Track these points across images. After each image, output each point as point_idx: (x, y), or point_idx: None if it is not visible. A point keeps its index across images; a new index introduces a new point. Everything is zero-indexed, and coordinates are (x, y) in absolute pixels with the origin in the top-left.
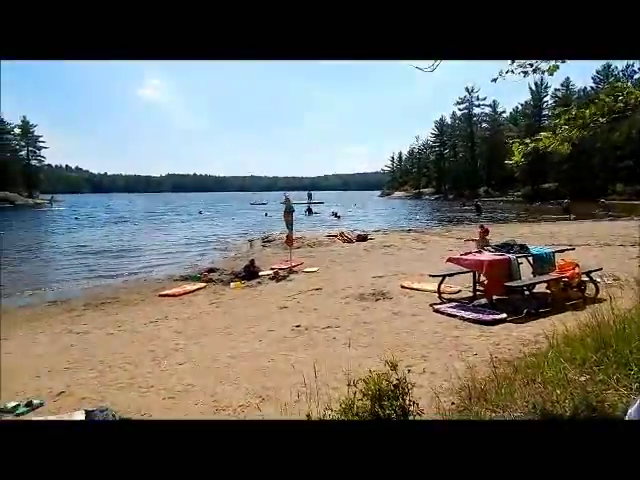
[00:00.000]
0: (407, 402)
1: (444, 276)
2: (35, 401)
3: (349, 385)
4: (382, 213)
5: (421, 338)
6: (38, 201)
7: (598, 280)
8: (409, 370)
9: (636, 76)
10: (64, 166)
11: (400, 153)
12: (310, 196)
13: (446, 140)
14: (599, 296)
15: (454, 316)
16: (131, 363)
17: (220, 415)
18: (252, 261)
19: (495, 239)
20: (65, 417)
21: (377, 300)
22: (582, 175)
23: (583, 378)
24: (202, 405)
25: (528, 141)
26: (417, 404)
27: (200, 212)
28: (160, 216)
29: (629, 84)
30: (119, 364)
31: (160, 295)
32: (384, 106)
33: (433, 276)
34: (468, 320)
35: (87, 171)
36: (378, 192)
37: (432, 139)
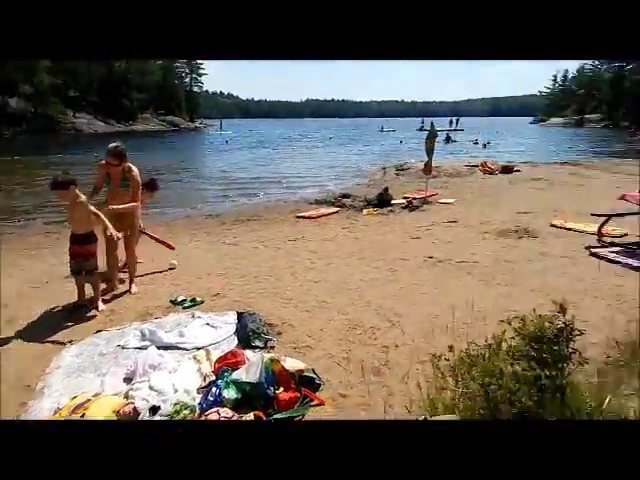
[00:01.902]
0: (569, 350)
1: (609, 216)
2: (198, 298)
3: (501, 322)
4: (532, 143)
5: (571, 283)
6: (197, 125)
7: None
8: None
9: None
10: (218, 92)
11: (566, 71)
12: (454, 122)
13: None
14: None
15: (616, 262)
16: (273, 275)
17: (352, 334)
18: (386, 189)
19: None
20: (191, 333)
21: (520, 238)
22: None
23: None
24: (335, 322)
25: None
26: (580, 353)
27: (330, 138)
28: (295, 142)
29: None
30: (264, 275)
31: (297, 217)
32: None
33: (596, 215)
34: (634, 269)
35: (237, 97)
36: (530, 119)
37: None
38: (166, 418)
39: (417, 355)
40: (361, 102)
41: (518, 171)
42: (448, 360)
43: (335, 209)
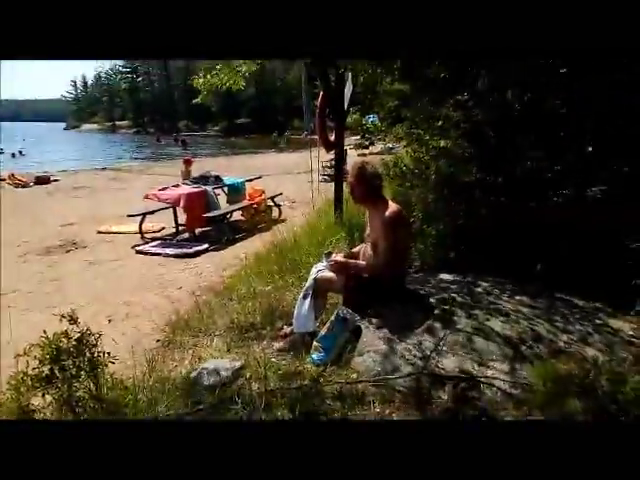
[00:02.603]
0: (96, 355)
1: (144, 214)
2: None
3: (19, 356)
4: (69, 150)
5: (123, 283)
6: None
7: (280, 203)
8: (109, 320)
9: None
10: None
11: (84, 77)
12: None
13: (138, 66)
14: (282, 217)
15: (158, 254)
16: None
17: None
18: None
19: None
20: None
21: (68, 251)
22: (266, 112)
23: (268, 287)
24: None
25: (209, 77)
26: (109, 353)
27: None
28: None
29: None
30: None
31: None
32: None
33: (131, 216)
34: (172, 256)
35: None
36: (63, 124)
37: (121, 64)
38: None
39: None
40: None
41: (57, 180)
42: None
43: None
